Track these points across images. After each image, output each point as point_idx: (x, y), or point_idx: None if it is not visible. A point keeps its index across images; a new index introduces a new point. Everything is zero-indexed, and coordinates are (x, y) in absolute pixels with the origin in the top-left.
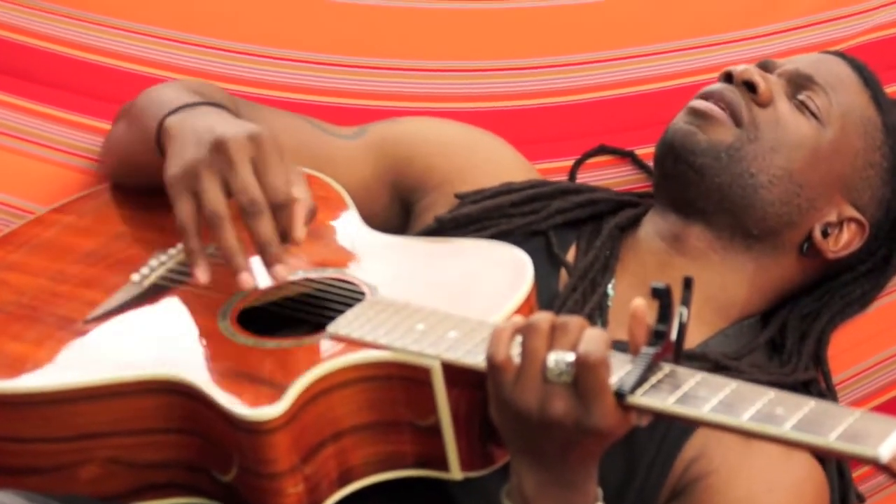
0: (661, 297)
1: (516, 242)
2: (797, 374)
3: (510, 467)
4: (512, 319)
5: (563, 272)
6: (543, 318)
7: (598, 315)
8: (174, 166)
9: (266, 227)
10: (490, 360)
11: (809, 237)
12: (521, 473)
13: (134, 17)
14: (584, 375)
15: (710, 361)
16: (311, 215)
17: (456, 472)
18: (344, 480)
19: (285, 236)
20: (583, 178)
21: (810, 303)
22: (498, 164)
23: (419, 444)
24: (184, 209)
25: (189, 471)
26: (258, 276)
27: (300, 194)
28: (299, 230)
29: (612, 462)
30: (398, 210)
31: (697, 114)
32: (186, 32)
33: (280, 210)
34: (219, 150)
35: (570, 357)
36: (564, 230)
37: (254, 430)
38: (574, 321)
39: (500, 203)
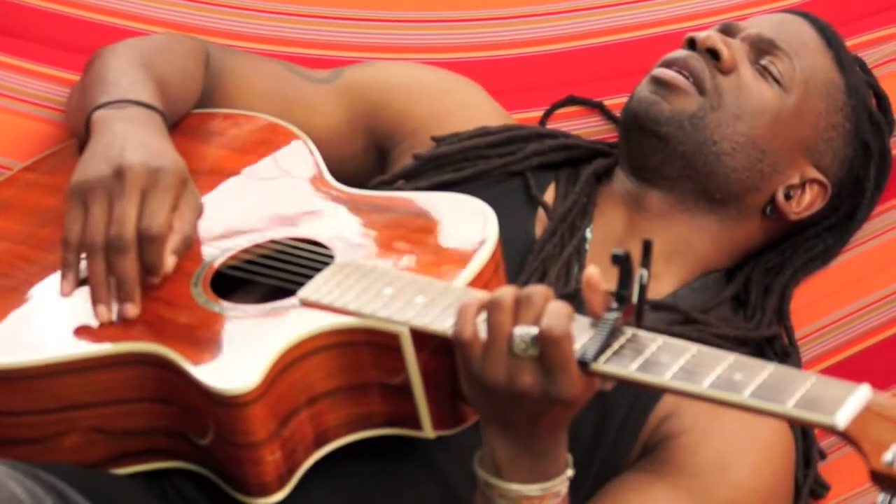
0: (621, 262)
1: (494, 182)
2: (761, 330)
3: (482, 436)
4: (475, 293)
5: (540, 213)
6: (507, 292)
7: (575, 259)
8: (79, 174)
9: (124, 265)
10: (457, 336)
11: (772, 200)
12: (492, 442)
13: None
14: (549, 349)
15: (681, 313)
16: (186, 246)
17: (429, 431)
18: (319, 442)
19: (150, 269)
20: (552, 128)
21: (773, 257)
22: (473, 109)
23: (391, 404)
24: (71, 220)
25: (168, 436)
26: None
27: (181, 227)
28: (163, 267)
29: (584, 417)
30: (374, 155)
31: (660, 83)
32: None
33: (149, 243)
34: (118, 175)
35: (535, 331)
36: (541, 172)
37: (230, 403)
38: (537, 294)
39: (477, 144)
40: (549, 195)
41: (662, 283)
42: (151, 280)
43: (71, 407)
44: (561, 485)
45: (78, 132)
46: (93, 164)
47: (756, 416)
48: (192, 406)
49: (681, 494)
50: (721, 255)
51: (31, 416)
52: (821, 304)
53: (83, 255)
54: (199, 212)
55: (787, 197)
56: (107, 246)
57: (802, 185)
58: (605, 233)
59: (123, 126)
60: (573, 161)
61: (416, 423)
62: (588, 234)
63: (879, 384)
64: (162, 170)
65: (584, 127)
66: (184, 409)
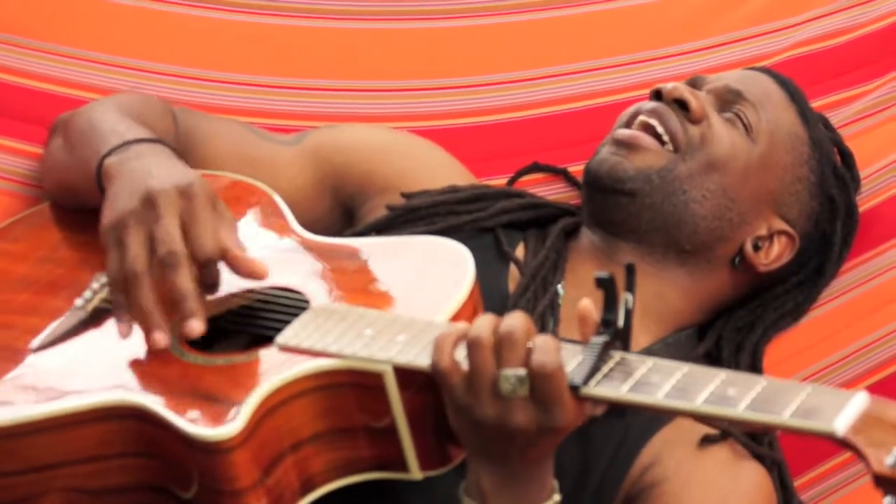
0: (606, 286)
1: (465, 238)
2: None
3: (467, 465)
4: (454, 326)
5: (512, 269)
6: (485, 327)
7: (549, 314)
8: (107, 216)
9: (182, 280)
10: (434, 367)
11: (741, 251)
12: (478, 472)
13: (66, 41)
14: (542, 385)
15: None
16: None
17: (416, 473)
18: (306, 489)
19: (211, 287)
20: None
21: (744, 315)
22: (438, 167)
23: (377, 447)
24: (113, 262)
25: (150, 492)
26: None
27: (229, 242)
28: (217, 288)
29: (567, 465)
30: (339, 215)
31: (622, 143)
32: (120, 56)
33: (206, 266)
34: (149, 203)
35: (522, 372)
36: (511, 230)
37: (212, 449)
38: (518, 330)
39: (449, 199)
40: (519, 252)
41: (637, 339)
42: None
43: (46, 467)
44: None
45: (71, 189)
46: (120, 202)
47: (737, 465)
48: (174, 457)
49: None
50: (693, 308)
51: (5, 477)
52: (794, 359)
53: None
54: (234, 224)
55: (756, 248)
56: (161, 265)
57: (770, 237)
58: (576, 287)
59: (139, 162)
60: (540, 221)
61: (402, 466)
62: (560, 289)
63: None
64: (191, 187)
65: (548, 193)
66: (165, 461)
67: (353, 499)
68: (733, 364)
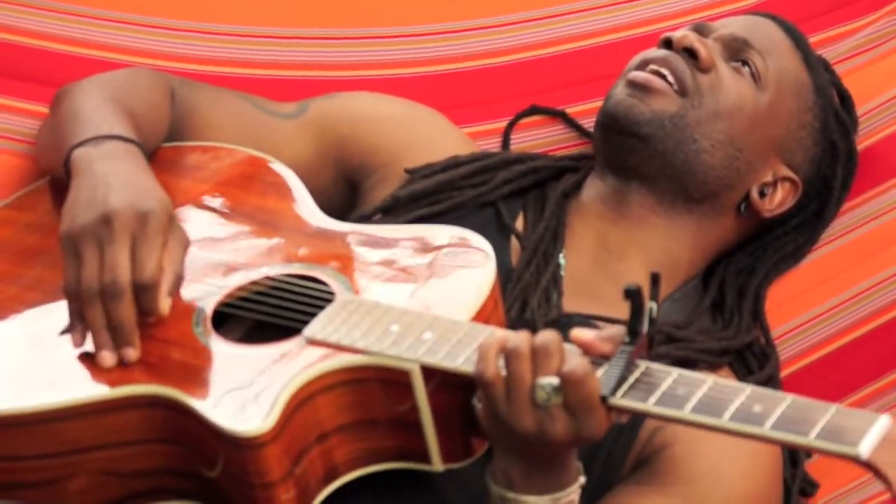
0: (633, 297)
1: (468, 214)
2: (741, 337)
3: (493, 458)
4: (496, 335)
5: (514, 242)
6: (524, 339)
7: (553, 286)
8: (65, 223)
9: (120, 310)
10: (480, 377)
11: (747, 198)
12: (506, 460)
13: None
14: (574, 391)
15: (662, 334)
16: (178, 284)
17: (437, 465)
18: (330, 477)
19: (147, 314)
20: (516, 138)
21: (745, 258)
22: (441, 138)
23: (400, 439)
24: (69, 272)
25: (176, 476)
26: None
27: (172, 267)
28: (159, 310)
29: None
30: (343, 187)
31: (637, 86)
32: (122, 11)
33: (143, 290)
34: (105, 222)
35: (556, 381)
36: (511, 200)
37: (245, 445)
38: (553, 343)
39: (451, 177)
40: (519, 223)
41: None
42: (149, 322)
43: (78, 451)
44: (574, 493)
45: (52, 171)
46: (80, 211)
47: None
48: (202, 447)
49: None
50: (698, 258)
51: (37, 460)
52: (795, 302)
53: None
54: (186, 247)
55: (762, 195)
56: (102, 293)
57: (775, 184)
58: (577, 254)
59: (105, 165)
60: (540, 182)
61: (424, 457)
62: (561, 259)
63: (859, 380)
64: (150, 213)
65: (547, 136)
66: (193, 449)
67: (377, 477)
68: (737, 310)
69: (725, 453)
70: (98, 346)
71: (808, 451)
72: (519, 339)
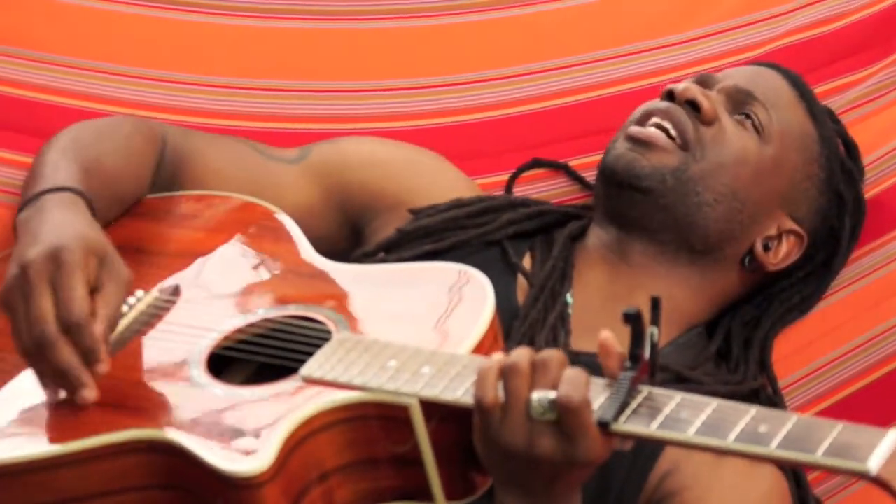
0: (633, 321)
1: (472, 252)
2: (748, 383)
3: (494, 495)
4: (494, 358)
5: (520, 280)
6: (523, 356)
7: (560, 324)
8: (3, 283)
9: (58, 357)
10: (479, 402)
11: (751, 251)
12: (506, 498)
13: (62, 51)
14: (567, 417)
15: (672, 372)
16: (113, 324)
17: (441, 502)
18: None
19: (88, 354)
20: (518, 191)
21: (751, 310)
22: (444, 180)
23: (403, 477)
24: (12, 333)
25: None
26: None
27: (104, 305)
28: (100, 350)
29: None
30: (346, 231)
31: (637, 141)
32: (118, 64)
33: (74, 331)
34: (23, 275)
35: (552, 395)
36: (517, 241)
37: (243, 485)
38: (553, 359)
39: (456, 215)
40: (526, 262)
41: None
42: (97, 369)
43: (76, 499)
44: None
45: None
46: (9, 269)
47: (753, 469)
48: (201, 491)
49: None
50: (702, 308)
51: None
52: (803, 352)
53: None
54: (125, 284)
55: (766, 248)
56: (36, 346)
57: (779, 237)
58: (585, 294)
59: (35, 221)
60: (546, 227)
61: (428, 495)
62: (569, 298)
63: None
64: (62, 250)
65: (549, 189)
66: (192, 494)
67: None
68: (743, 360)
69: (735, 497)
70: (51, 399)
71: (816, 469)
72: (519, 355)
